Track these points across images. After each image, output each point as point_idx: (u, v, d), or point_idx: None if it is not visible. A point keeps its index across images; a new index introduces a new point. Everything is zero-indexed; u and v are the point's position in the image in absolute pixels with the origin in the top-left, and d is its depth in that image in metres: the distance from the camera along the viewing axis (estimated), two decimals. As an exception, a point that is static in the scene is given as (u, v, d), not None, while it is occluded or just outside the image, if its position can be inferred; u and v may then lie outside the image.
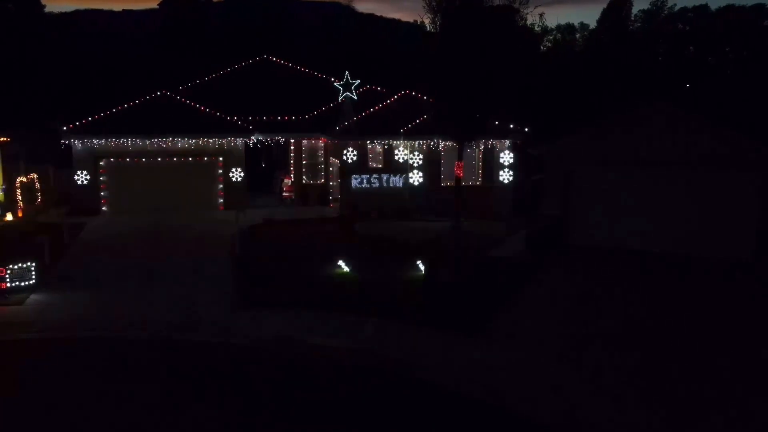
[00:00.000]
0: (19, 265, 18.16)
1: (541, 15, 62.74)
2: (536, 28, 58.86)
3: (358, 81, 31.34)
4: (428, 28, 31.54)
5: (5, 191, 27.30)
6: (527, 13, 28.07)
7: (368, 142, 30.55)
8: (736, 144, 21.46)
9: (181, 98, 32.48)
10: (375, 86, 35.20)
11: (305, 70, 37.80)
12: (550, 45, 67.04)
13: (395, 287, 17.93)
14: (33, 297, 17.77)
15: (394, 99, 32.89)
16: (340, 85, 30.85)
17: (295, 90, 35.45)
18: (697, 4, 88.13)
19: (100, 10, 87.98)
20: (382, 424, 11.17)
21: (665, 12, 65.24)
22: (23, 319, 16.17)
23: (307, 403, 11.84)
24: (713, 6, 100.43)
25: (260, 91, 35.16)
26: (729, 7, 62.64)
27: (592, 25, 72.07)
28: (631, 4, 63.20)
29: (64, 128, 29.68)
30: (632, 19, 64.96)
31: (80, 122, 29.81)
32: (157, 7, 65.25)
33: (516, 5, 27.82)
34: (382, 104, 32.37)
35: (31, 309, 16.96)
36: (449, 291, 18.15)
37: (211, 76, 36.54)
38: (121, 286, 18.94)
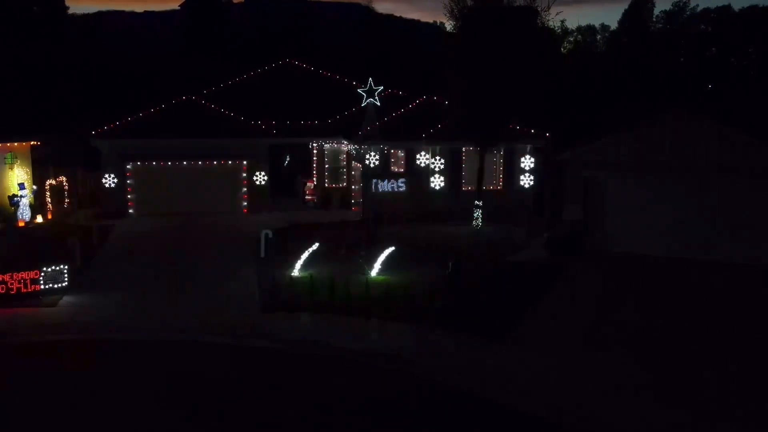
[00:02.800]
0: (53, 267, 18.59)
1: (563, 21, 62.76)
2: (556, 30, 58.72)
3: (382, 87, 31.60)
4: (448, 29, 31.84)
5: (35, 194, 27.90)
6: (549, 20, 28.41)
7: (390, 146, 30.81)
8: (759, 151, 21.53)
9: (205, 102, 32.99)
10: (395, 88, 35.42)
11: (327, 74, 38.13)
12: (570, 47, 66.80)
13: (417, 291, 18.17)
14: (66, 299, 18.22)
15: (416, 104, 33.15)
16: (363, 91, 31.10)
17: (317, 94, 35.76)
18: (719, 4, 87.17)
19: (121, 11, 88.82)
20: (405, 426, 11.46)
21: (687, 13, 64.73)
22: (58, 320, 16.61)
23: (328, 405, 12.15)
24: (736, 6, 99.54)
25: (283, 94, 35.53)
26: (752, 8, 61.94)
27: (613, 26, 71.74)
28: (652, 5, 62.89)
29: (93, 132, 30.26)
30: (654, 20, 64.61)
31: (108, 126, 30.37)
32: (179, 8, 65.82)
33: (537, 8, 28.07)
34: (404, 108, 32.63)
35: (65, 311, 17.40)
36: (472, 296, 18.35)
37: (235, 79, 36.95)
38: (151, 288, 19.37)
